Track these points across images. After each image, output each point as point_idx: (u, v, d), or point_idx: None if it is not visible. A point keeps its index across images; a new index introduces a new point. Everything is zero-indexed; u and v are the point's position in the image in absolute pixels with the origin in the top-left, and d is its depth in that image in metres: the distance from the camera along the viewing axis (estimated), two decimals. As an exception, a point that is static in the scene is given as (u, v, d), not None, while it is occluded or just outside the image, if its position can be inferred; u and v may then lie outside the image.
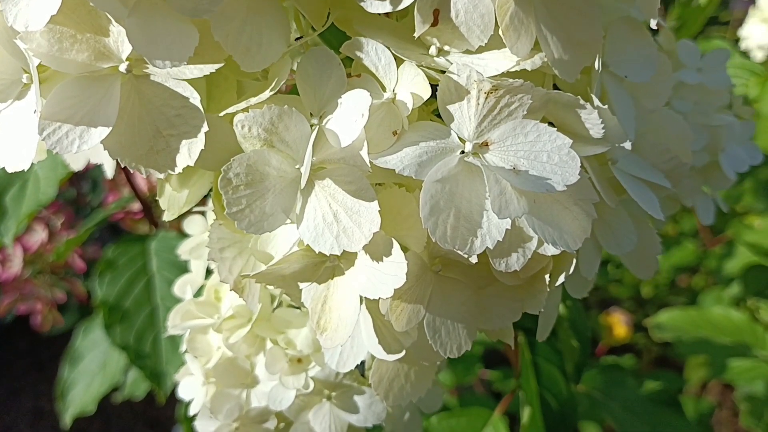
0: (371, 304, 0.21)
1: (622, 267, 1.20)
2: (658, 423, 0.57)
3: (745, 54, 0.84)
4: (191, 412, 0.25)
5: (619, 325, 1.14)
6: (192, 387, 0.25)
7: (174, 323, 0.28)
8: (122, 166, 0.24)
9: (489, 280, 0.21)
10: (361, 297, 0.21)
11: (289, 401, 0.24)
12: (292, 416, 0.24)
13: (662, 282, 1.30)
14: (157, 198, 0.32)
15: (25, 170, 0.23)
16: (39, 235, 0.91)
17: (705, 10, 0.68)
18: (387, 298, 0.20)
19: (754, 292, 0.55)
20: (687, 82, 0.31)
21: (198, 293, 0.36)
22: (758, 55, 0.87)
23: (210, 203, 0.36)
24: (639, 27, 0.24)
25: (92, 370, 0.66)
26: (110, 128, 0.22)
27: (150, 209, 0.62)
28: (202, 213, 0.40)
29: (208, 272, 0.39)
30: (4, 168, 0.50)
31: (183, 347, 0.26)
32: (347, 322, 0.20)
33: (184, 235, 0.57)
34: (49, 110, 0.22)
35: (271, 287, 0.23)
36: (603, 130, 0.21)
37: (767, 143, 0.54)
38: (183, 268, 0.56)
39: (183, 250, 0.37)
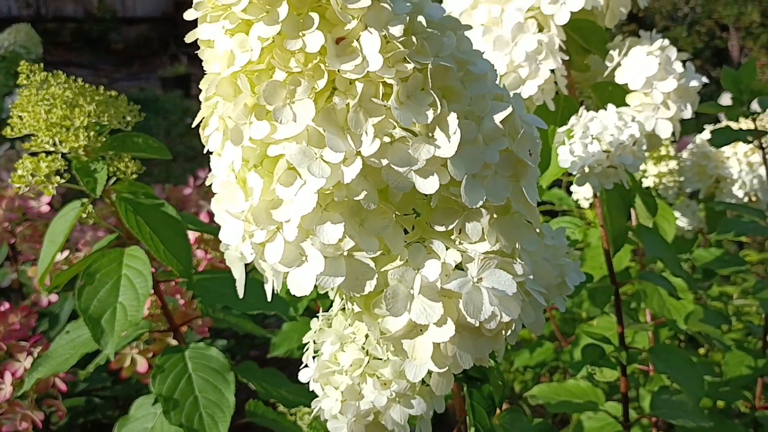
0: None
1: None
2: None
3: (576, 201, 1.19)
4: (327, 416, 0.48)
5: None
6: (328, 403, 0.48)
7: (317, 377, 0.50)
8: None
9: (479, 333, 0.46)
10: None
11: (382, 404, 0.47)
12: (383, 411, 0.47)
13: (529, 378, 1.60)
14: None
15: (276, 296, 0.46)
16: (22, 363, 1.06)
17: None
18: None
19: (590, 362, 0.84)
20: (548, 244, 0.59)
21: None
22: (585, 204, 1.22)
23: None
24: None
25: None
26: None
27: (177, 328, 0.83)
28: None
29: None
30: (99, 298, 0.75)
31: (314, 385, 0.49)
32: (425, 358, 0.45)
33: (209, 345, 0.79)
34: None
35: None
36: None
37: (591, 269, 0.86)
38: (213, 367, 0.77)
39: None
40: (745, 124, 0.98)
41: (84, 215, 0.75)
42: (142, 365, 1.07)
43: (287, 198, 0.39)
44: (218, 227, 0.44)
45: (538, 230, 0.47)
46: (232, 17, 0.37)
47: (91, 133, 0.68)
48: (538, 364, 1.38)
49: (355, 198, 0.39)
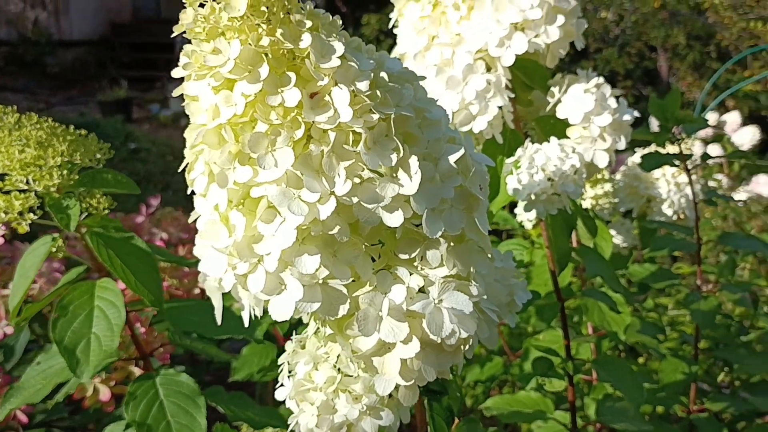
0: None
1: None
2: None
3: (521, 223, 1.26)
4: (303, 430, 0.52)
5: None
6: (305, 418, 0.52)
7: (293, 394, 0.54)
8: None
9: (441, 349, 0.50)
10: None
11: (354, 417, 0.52)
12: (355, 423, 0.52)
13: (479, 392, 1.66)
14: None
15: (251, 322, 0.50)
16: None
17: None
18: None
19: (540, 374, 0.90)
20: (498, 267, 0.65)
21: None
22: (529, 225, 1.28)
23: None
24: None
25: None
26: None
27: (146, 356, 0.86)
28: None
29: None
30: (73, 330, 0.78)
31: (290, 402, 0.53)
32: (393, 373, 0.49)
33: (179, 372, 0.82)
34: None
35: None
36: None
37: (537, 286, 0.93)
38: (183, 392, 0.80)
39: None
40: (672, 148, 1.06)
41: (54, 249, 0.78)
42: (104, 394, 1.09)
43: (268, 233, 0.44)
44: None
45: (489, 255, 0.53)
46: (218, 76, 0.42)
47: (64, 172, 0.72)
48: (489, 378, 1.44)
49: (330, 232, 0.44)
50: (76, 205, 0.73)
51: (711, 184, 2.00)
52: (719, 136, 4.89)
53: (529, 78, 0.80)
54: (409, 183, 0.44)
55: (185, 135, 0.46)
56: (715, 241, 1.06)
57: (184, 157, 0.47)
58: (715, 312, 1.03)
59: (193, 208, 0.49)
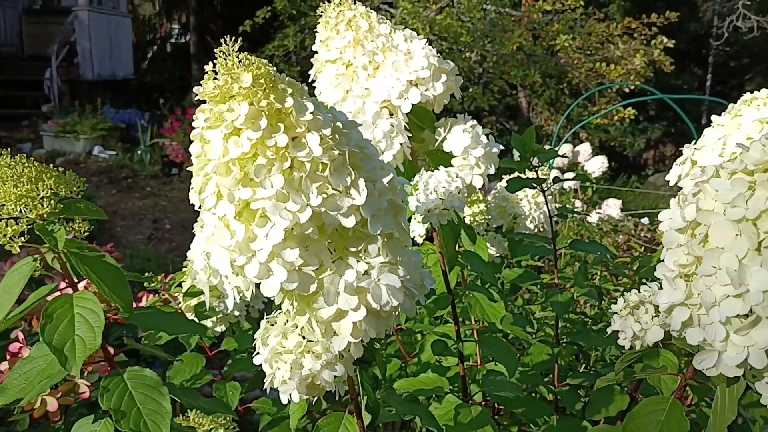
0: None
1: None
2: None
3: (413, 237, 1.49)
4: (278, 384, 0.70)
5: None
6: (280, 373, 0.70)
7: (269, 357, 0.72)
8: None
9: (380, 315, 0.70)
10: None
11: (317, 369, 0.71)
12: (318, 374, 0.71)
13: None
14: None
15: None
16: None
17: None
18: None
19: (437, 354, 1.12)
20: (414, 260, 0.88)
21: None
22: (419, 240, 1.51)
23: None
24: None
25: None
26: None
27: (111, 357, 1.00)
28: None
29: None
30: (59, 333, 0.96)
31: (265, 365, 0.71)
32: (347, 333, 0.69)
33: (143, 368, 0.97)
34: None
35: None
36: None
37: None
38: (148, 384, 0.96)
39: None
40: (530, 174, 1.33)
41: (35, 269, 0.92)
42: (52, 405, 1.20)
43: (261, 235, 0.63)
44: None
45: (409, 249, 0.74)
46: (229, 126, 0.61)
47: (52, 202, 0.87)
48: (389, 376, 1.65)
49: (305, 232, 0.64)
50: (60, 229, 0.88)
51: (568, 206, 2.33)
52: (574, 165, 5.44)
53: (422, 121, 1.03)
54: (359, 197, 0.65)
55: (193, 168, 0.64)
56: (567, 247, 1.34)
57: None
58: (569, 303, 1.30)
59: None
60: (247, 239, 0.63)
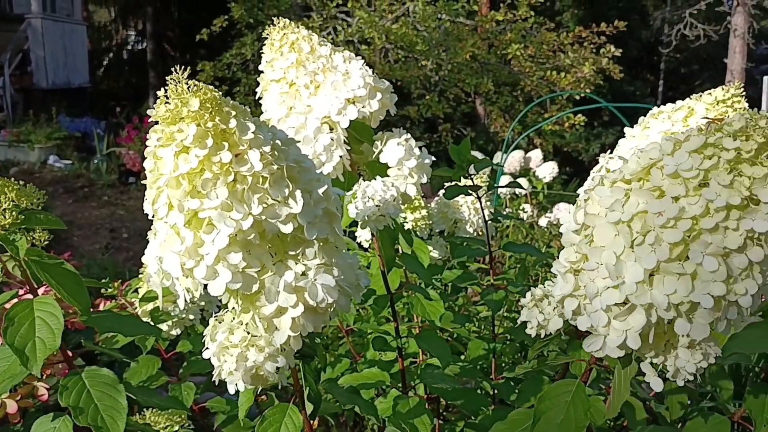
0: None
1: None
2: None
3: (360, 243, 1.58)
4: (225, 375, 0.78)
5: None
6: (227, 365, 0.78)
7: (217, 351, 0.78)
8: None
9: (316, 311, 0.79)
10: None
11: (260, 361, 0.79)
12: (261, 365, 0.79)
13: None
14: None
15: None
16: None
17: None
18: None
19: (377, 349, 1.21)
20: (349, 262, 0.97)
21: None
22: (366, 244, 1.60)
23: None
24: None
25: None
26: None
27: (69, 359, 1.06)
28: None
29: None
30: (20, 335, 1.04)
31: (213, 359, 0.79)
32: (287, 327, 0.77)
33: (100, 368, 1.04)
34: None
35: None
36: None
37: (375, 287, 1.24)
38: (105, 382, 1.03)
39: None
40: (467, 182, 1.43)
41: (-2, 276, 0.98)
42: (12, 407, 1.26)
43: (208, 240, 0.71)
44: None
45: (344, 252, 0.83)
46: (180, 144, 0.69)
47: (14, 213, 0.93)
48: (339, 375, 1.74)
49: (248, 238, 0.72)
50: (22, 239, 0.95)
51: (507, 212, 2.45)
52: (526, 171, 5.60)
53: (361, 135, 1.12)
54: (296, 206, 0.73)
55: (147, 182, 0.72)
56: (500, 249, 1.44)
57: None
58: (502, 302, 1.40)
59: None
60: (195, 245, 0.72)
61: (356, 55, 1.13)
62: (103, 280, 1.43)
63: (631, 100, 12.66)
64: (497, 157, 5.55)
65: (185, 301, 0.77)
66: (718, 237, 0.63)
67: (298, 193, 0.73)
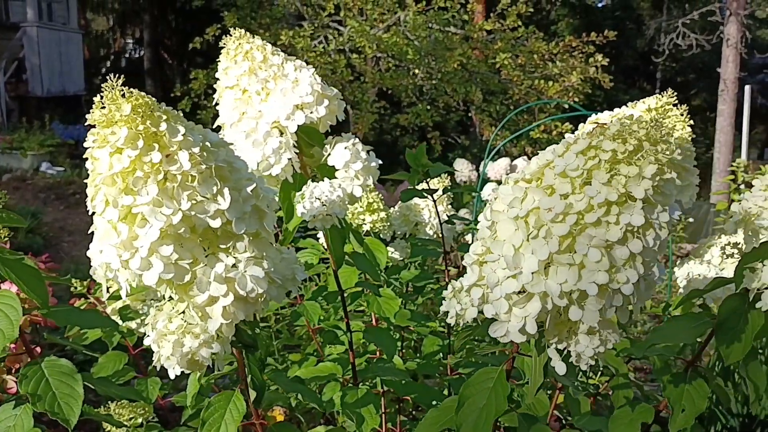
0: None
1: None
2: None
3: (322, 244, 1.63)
4: (164, 360, 0.83)
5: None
6: (165, 351, 0.84)
7: (156, 338, 0.84)
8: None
9: (247, 300, 0.85)
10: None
11: (195, 347, 0.85)
12: (196, 351, 0.84)
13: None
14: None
15: None
16: None
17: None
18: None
19: (328, 342, 1.26)
20: (284, 257, 1.02)
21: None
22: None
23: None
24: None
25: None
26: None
27: (32, 350, 1.12)
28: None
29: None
30: None
31: (153, 345, 0.84)
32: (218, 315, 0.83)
33: (59, 358, 1.10)
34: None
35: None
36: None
37: (331, 285, 1.30)
38: (63, 371, 1.08)
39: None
40: (422, 186, 1.50)
41: (-41, 270, 1.04)
42: (-20, 399, 1.31)
43: (142, 234, 0.77)
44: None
45: (275, 246, 0.89)
46: (113, 146, 0.75)
47: (-26, 210, 0.99)
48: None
49: (178, 232, 0.78)
50: (-19, 235, 1.00)
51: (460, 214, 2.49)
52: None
53: (311, 139, 1.19)
54: (224, 202, 0.79)
55: (88, 181, 0.78)
56: (457, 251, 1.50)
57: None
58: (456, 299, 1.46)
59: None
60: (130, 238, 0.77)
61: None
62: (75, 281, 1.49)
63: (626, 108, 12.71)
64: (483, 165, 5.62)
65: (126, 292, 0.83)
66: (601, 230, 0.69)
67: (226, 190, 0.79)
